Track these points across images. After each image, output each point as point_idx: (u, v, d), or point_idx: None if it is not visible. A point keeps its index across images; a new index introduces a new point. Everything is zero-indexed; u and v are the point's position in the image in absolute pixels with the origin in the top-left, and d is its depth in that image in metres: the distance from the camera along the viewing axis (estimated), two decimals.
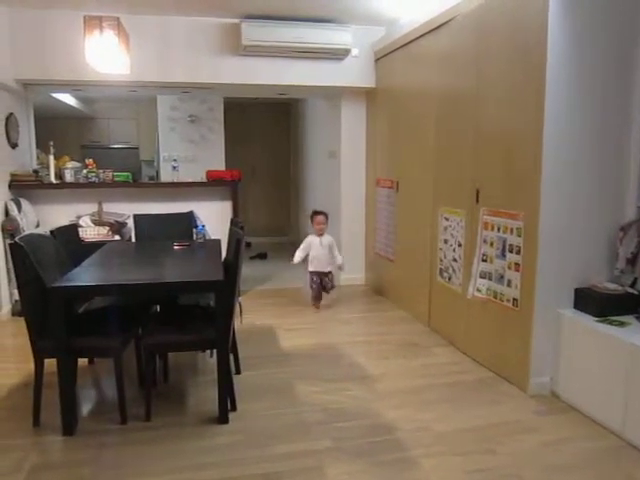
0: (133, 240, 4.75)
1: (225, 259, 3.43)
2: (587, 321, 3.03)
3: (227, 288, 2.89)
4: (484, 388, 3.39)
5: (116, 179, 5.35)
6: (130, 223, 5.04)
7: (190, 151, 7.10)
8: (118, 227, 5.16)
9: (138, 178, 5.97)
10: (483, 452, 2.66)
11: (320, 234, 5.19)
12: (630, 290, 3.13)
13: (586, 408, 3.01)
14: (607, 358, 2.85)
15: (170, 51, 5.09)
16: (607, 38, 3.09)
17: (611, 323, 2.96)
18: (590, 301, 3.12)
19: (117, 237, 5.10)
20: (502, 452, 2.65)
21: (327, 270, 5.16)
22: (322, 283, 5.17)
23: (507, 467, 2.53)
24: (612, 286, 3.14)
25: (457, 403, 3.19)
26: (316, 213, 5.27)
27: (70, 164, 5.33)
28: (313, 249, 5.16)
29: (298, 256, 5.18)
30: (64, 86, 5.25)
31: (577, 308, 3.19)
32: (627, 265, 3.13)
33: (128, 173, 5.49)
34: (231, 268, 3.01)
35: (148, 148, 8.46)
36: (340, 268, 5.33)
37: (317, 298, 5.19)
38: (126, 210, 5.33)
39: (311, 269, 5.16)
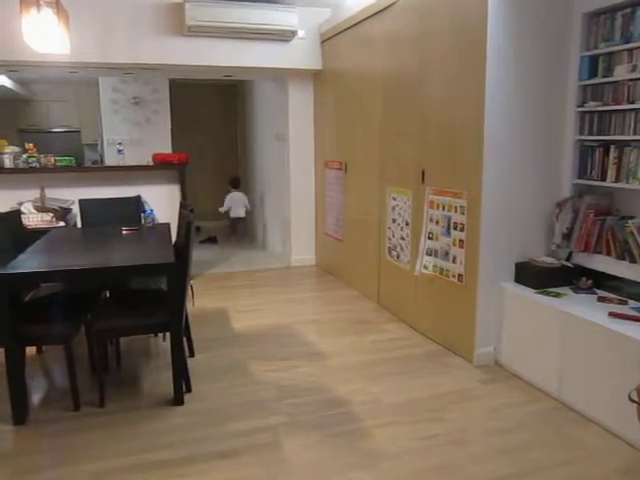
0: (79, 226, 4.64)
1: (176, 242, 3.41)
2: (527, 293, 3.20)
3: (179, 270, 2.90)
4: (432, 360, 3.54)
5: (58, 164, 5.19)
6: (75, 209, 4.91)
7: (135, 134, 6.94)
8: (62, 213, 5.01)
9: (81, 162, 5.79)
10: (432, 420, 2.79)
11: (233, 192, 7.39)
12: (566, 263, 3.31)
13: (526, 375, 3.20)
14: (545, 327, 3.02)
15: (112, 31, 4.94)
16: (545, 22, 3.22)
17: (548, 294, 3.14)
18: (529, 274, 3.29)
19: (61, 223, 4.96)
20: (449, 419, 2.79)
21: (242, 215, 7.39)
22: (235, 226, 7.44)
23: (454, 433, 2.67)
24: (549, 260, 3.32)
25: (406, 376, 3.32)
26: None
27: (9, 149, 5.12)
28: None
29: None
30: (0, 67, 5.02)
31: (518, 281, 3.36)
32: (563, 240, 3.31)
33: (71, 157, 5.33)
34: (182, 251, 3.01)
35: (90, 131, 8.21)
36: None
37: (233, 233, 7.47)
38: (70, 196, 5.19)
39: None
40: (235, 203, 7.24)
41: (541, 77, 3.27)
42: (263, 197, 7.63)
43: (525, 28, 3.19)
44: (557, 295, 3.13)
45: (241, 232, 7.47)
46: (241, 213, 7.21)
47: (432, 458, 2.45)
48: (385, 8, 4.21)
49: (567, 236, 3.30)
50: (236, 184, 7.35)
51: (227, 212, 7.35)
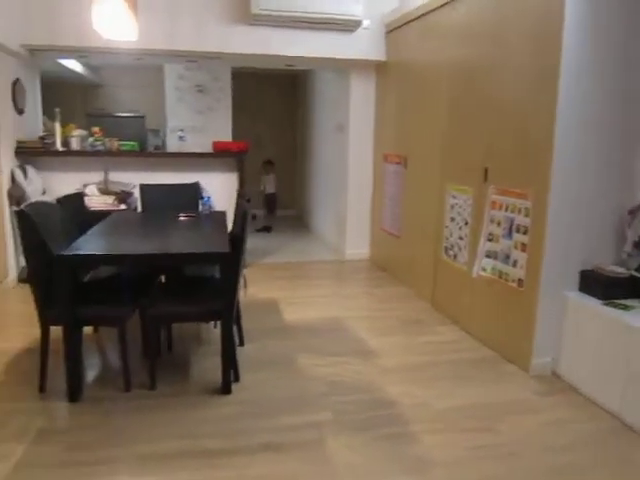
0: (138, 210, 4.75)
1: (231, 231, 3.42)
2: (592, 304, 3.03)
3: (233, 260, 2.90)
4: (486, 367, 3.41)
5: (122, 148, 5.33)
6: (136, 193, 5.03)
7: (197, 121, 7.01)
8: (124, 196, 5.15)
9: (144, 147, 5.91)
10: (482, 430, 2.68)
11: (268, 173, 8.52)
12: (636, 274, 3.11)
13: (586, 389, 3.03)
14: (610, 341, 2.85)
15: (178, 18, 5.00)
16: (626, 12, 3.01)
17: (616, 306, 2.96)
18: (595, 284, 3.11)
19: (123, 206, 5.10)
20: (501, 430, 2.68)
21: (273, 191, 8.61)
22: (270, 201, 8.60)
23: (506, 445, 2.55)
24: (618, 269, 3.13)
25: (458, 381, 3.21)
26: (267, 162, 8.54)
27: (76, 132, 5.29)
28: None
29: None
30: (70, 52, 5.17)
31: (582, 290, 3.18)
32: (634, 249, 3.11)
33: (134, 142, 5.46)
34: (237, 241, 3.00)
35: (155, 117, 8.36)
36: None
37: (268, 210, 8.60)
38: (132, 179, 5.32)
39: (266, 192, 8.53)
40: (268, 183, 8.63)
41: (620, 71, 3.06)
42: (321, 188, 7.61)
43: (604, 19, 2.99)
44: (625, 308, 2.94)
45: (275, 206, 8.80)
46: (271, 190, 8.61)
47: (482, 470, 2.35)
48: None
49: (639, 245, 3.10)
50: (269, 170, 8.56)
51: (263, 189, 8.67)
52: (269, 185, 8.73)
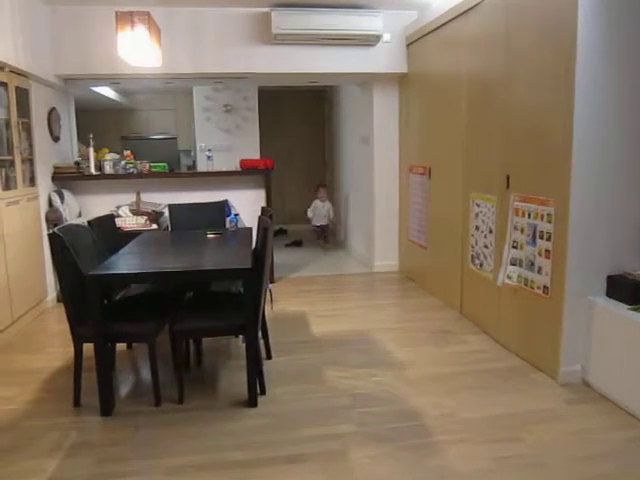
0: (169, 229, 4.88)
1: (254, 247, 3.49)
2: (619, 309, 2.97)
3: (255, 276, 2.96)
4: (514, 376, 3.37)
5: (153, 169, 5.50)
6: (166, 212, 5.18)
7: (226, 140, 7.18)
8: (155, 216, 5.30)
9: (176, 168, 6.08)
10: (509, 440, 2.65)
11: (322, 200, 7.59)
12: None
13: (617, 397, 2.96)
14: (637, 346, 2.78)
15: (201, 42, 5.16)
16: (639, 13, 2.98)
17: None
18: (623, 288, 3.04)
19: (154, 226, 5.26)
20: (528, 440, 2.64)
21: (325, 223, 7.67)
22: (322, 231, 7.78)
23: (532, 455, 2.51)
24: None
25: (485, 391, 3.18)
26: (320, 185, 7.75)
27: (109, 156, 5.50)
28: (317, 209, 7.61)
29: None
30: (102, 80, 5.40)
31: (609, 296, 3.12)
32: None
33: (164, 163, 5.63)
34: (259, 256, 3.07)
35: (186, 138, 8.62)
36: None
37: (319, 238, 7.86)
38: (163, 200, 5.48)
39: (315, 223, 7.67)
40: (318, 212, 7.64)
41: (636, 71, 3.02)
42: (348, 200, 7.65)
43: (619, 18, 2.96)
44: None
45: (325, 237, 7.89)
46: (324, 221, 7.66)
47: None
48: (472, 7, 4.07)
49: None
50: (322, 196, 7.63)
51: (311, 217, 7.74)
52: (320, 215, 7.54)
